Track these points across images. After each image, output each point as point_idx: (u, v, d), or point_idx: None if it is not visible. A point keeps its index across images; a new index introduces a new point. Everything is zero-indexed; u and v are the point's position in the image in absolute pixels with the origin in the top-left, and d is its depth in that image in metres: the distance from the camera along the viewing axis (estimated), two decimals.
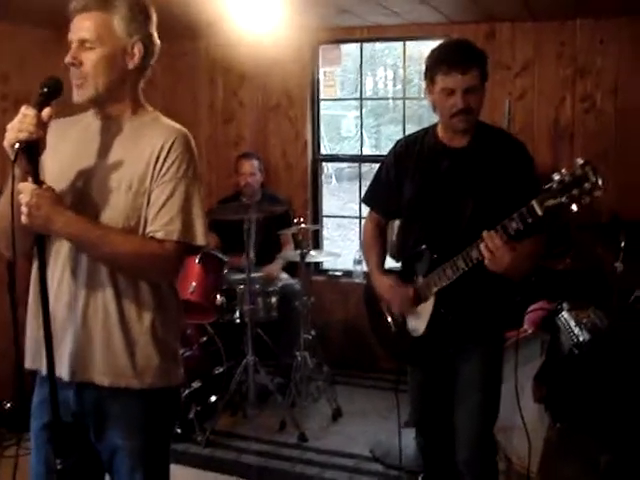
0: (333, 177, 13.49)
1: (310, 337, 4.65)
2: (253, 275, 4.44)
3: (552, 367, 3.50)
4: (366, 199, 3.08)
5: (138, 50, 2.04)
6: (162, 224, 1.99)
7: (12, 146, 1.82)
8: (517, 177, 2.58)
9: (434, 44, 2.80)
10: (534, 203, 2.32)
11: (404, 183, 2.83)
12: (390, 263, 3.08)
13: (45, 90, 1.89)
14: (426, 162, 2.77)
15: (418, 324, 2.83)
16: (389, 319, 2.96)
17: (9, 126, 1.84)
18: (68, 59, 1.98)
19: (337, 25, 5.13)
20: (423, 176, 2.77)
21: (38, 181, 1.86)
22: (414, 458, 3.64)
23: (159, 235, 1.99)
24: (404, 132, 5.57)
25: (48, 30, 4.64)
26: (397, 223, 3.14)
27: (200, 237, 2.06)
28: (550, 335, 3.64)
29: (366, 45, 5.71)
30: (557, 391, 3.42)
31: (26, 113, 1.83)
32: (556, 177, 2.27)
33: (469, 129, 2.69)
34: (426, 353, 2.89)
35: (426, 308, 2.79)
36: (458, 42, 2.82)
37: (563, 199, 2.25)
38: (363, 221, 5.47)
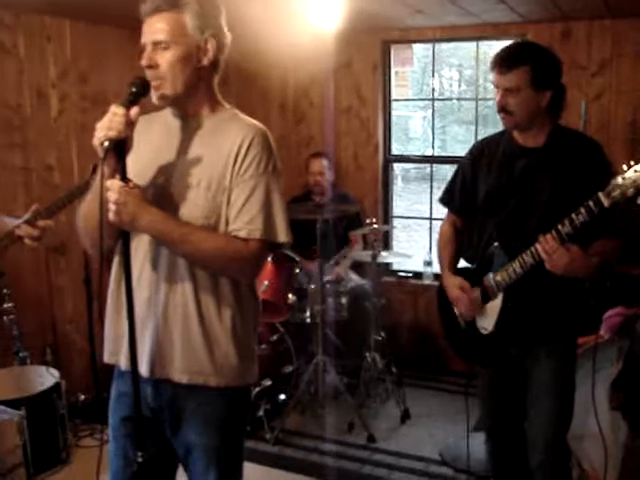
0: (399, 178, 13.46)
1: (380, 338, 4.64)
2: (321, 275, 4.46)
3: (630, 374, 3.41)
4: (442, 199, 3.07)
5: (211, 46, 2.05)
6: (244, 222, 2.00)
7: (101, 144, 1.85)
8: (592, 178, 2.54)
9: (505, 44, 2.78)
10: (601, 194, 2.32)
11: (479, 183, 2.83)
12: (463, 263, 3.06)
13: (133, 90, 1.92)
14: (501, 162, 2.77)
15: (487, 322, 2.81)
16: (459, 318, 2.94)
17: (98, 125, 1.86)
18: (144, 62, 1.99)
19: (410, 25, 5.11)
20: (498, 175, 2.76)
21: (126, 179, 1.90)
22: (483, 462, 3.60)
23: (242, 234, 2.00)
24: (476, 133, 5.52)
25: (124, 30, 4.74)
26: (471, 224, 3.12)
27: (282, 234, 2.07)
28: (629, 341, 3.55)
29: (430, 45, 5.66)
30: (636, 399, 3.34)
31: (115, 112, 1.86)
32: (625, 169, 2.25)
33: (513, 129, 2.70)
34: (495, 352, 2.86)
35: (495, 306, 2.78)
36: (515, 43, 2.81)
37: (630, 191, 2.24)
38: (434, 223, 5.55)
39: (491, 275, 2.76)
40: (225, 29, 2.10)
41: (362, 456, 4.11)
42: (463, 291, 2.83)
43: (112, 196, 1.87)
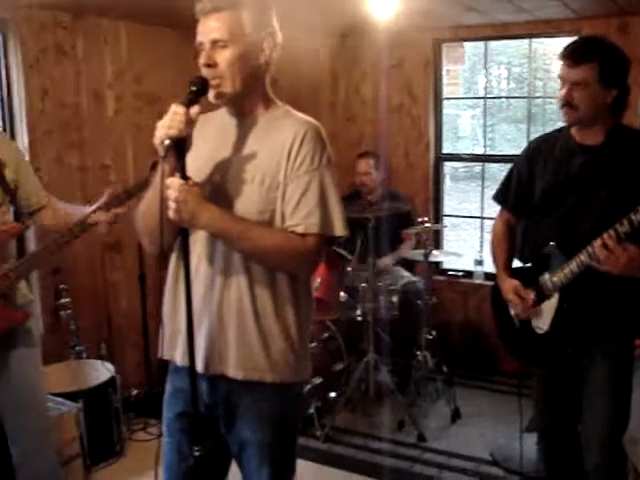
0: (447, 177, 13.32)
1: (430, 337, 4.63)
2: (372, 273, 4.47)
3: None
4: (497, 197, 3.04)
5: (267, 45, 2.06)
6: (301, 218, 2.01)
7: (162, 143, 1.87)
8: None
9: (560, 41, 2.76)
10: None
11: (536, 181, 2.80)
12: (517, 263, 3.04)
13: (194, 89, 1.94)
14: (559, 159, 2.73)
15: (543, 322, 2.79)
16: (514, 318, 2.92)
17: (159, 124, 1.89)
18: (203, 60, 2.00)
19: (461, 23, 5.08)
20: (555, 173, 2.73)
21: (185, 177, 1.92)
22: (535, 464, 3.56)
23: (299, 229, 2.01)
24: (528, 131, 5.45)
25: (178, 31, 4.80)
26: (525, 223, 3.10)
27: (339, 228, 2.06)
28: None
29: (479, 43, 5.62)
30: None
31: (176, 111, 1.88)
32: None
33: (575, 124, 2.66)
34: (551, 352, 2.83)
35: (551, 305, 2.75)
36: (585, 37, 2.77)
37: None
38: (485, 222, 5.52)
39: (547, 275, 2.74)
40: (277, 28, 2.12)
41: (412, 455, 4.10)
42: (518, 295, 2.81)
43: (172, 194, 1.90)
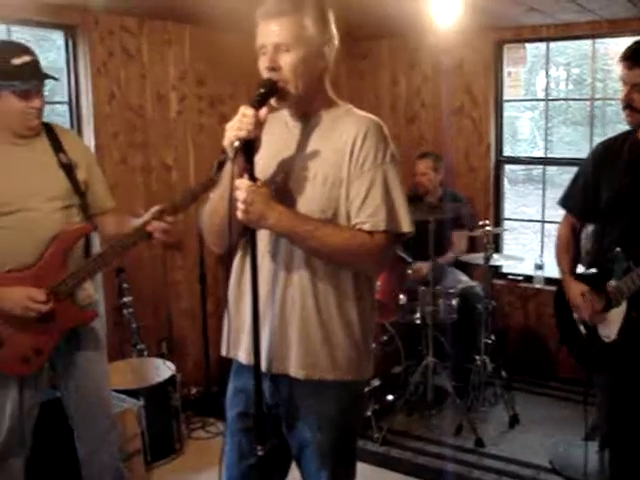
0: (505, 180, 13.14)
1: (490, 341, 4.58)
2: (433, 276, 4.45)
3: None
4: (562, 201, 3.00)
5: (328, 48, 2.08)
6: (368, 215, 2.01)
7: (231, 144, 1.90)
8: None
9: (623, 42, 2.71)
10: None
11: (602, 185, 2.75)
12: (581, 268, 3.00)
13: (262, 91, 1.96)
14: (626, 163, 2.68)
15: (610, 330, 2.74)
16: (580, 325, 2.87)
17: (228, 125, 1.92)
18: (267, 64, 2.01)
19: (522, 24, 5.02)
20: (622, 178, 2.68)
21: (254, 178, 1.95)
22: (597, 472, 3.50)
23: (366, 227, 2.01)
24: (591, 135, 5.35)
25: (239, 35, 4.84)
26: (590, 228, 3.05)
27: (405, 224, 2.06)
28: None
29: (538, 44, 5.53)
30: None
31: (245, 113, 1.91)
32: None
33: (637, 126, 2.62)
34: (618, 360, 2.78)
35: (618, 313, 2.70)
36: None
37: None
38: (546, 226, 5.43)
39: (614, 282, 2.68)
40: (335, 32, 2.13)
41: (470, 460, 4.06)
42: (585, 299, 2.76)
43: (241, 195, 1.92)
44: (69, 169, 2.86)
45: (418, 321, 4.53)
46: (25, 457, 2.95)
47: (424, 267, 4.78)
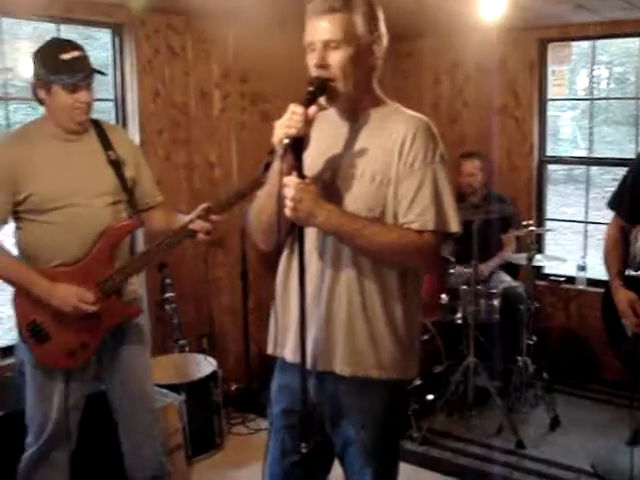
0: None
1: (531, 342, 4.54)
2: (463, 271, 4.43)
3: None
4: (611, 203, 2.96)
5: (377, 47, 2.07)
6: (416, 214, 2.01)
7: (281, 142, 1.90)
8: None
9: None
10: None
11: None
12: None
13: (311, 89, 1.97)
14: None
15: None
16: (627, 329, 2.83)
17: (277, 123, 1.93)
18: (315, 61, 2.01)
19: (569, 22, 4.95)
20: None
21: (302, 176, 1.95)
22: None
23: (415, 226, 2.01)
24: (637, 135, 5.27)
25: (280, 31, 4.86)
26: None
27: (454, 224, 2.06)
28: None
29: (581, 42, 5.45)
30: None
31: (295, 111, 1.91)
32: None
33: None
34: None
35: None
36: None
37: None
38: (589, 227, 5.37)
39: None
40: (385, 30, 2.13)
41: (510, 461, 4.03)
42: (633, 308, 2.72)
43: (289, 192, 1.93)
44: (117, 166, 2.90)
45: (459, 321, 4.51)
46: (70, 449, 2.99)
47: (485, 269, 4.76)
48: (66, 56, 2.71)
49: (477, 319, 4.41)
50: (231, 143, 4.71)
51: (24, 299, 2.77)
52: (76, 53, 2.74)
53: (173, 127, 4.38)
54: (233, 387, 4.71)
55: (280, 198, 1.94)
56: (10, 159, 2.75)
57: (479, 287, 4.49)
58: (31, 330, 2.78)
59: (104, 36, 4.21)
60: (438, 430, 4.36)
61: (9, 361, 3.71)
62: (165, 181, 4.14)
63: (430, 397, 4.50)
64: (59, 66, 2.69)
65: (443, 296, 4.53)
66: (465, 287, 4.46)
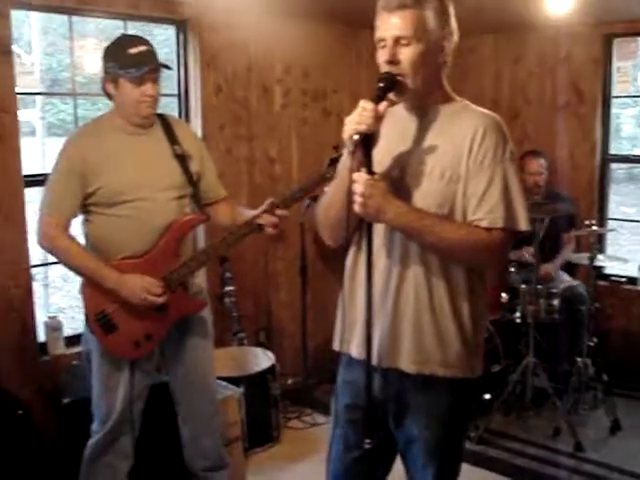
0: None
1: (592, 343, 4.47)
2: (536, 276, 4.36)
3: None
4: None
5: (448, 43, 2.07)
6: (485, 212, 2.00)
7: (351, 137, 1.91)
8: None
9: None
10: None
11: None
12: None
13: (382, 85, 1.96)
14: None
15: None
16: None
17: (348, 119, 1.93)
18: (387, 57, 2.00)
19: (636, 16, 4.85)
20: None
21: (371, 172, 1.95)
22: None
23: (484, 224, 2.00)
24: None
25: (344, 27, 4.87)
26: None
27: (523, 222, 2.04)
28: None
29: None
30: None
31: (365, 107, 1.91)
32: None
33: None
34: None
35: None
36: None
37: None
38: None
39: None
40: (455, 27, 2.11)
41: (569, 464, 3.97)
42: None
43: (358, 188, 1.93)
44: (183, 160, 2.94)
45: (519, 320, 4.47)
46: (134, 437, 3.05)
47: (551, 269, 4.71)
48: (133, 50, 2.77)
49: (537, 319, 4.36)
50: (292, 139, 4.75)
51: (93, 290, 2.83)
52: (143, 47, 2.79)
53: (235, 122, 4.43)
54: (289, 381, 4.74)
55: (349, 194, 1.94)
56: (80, 153, 2.82)
57: (539, 286, 4.44)
58: (99, 320, 2.84)
59: (162, 32, 4.27)
60: (495, 430, 4.32)
61: (74, 350, 3.80)
62: (226, 175, 4.17)
63: (487, 396, 4.46)
64: (127, 60, 2.75)
65: (503, 295, 4.48)
66: (524, 286, 4.41)
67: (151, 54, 2.81)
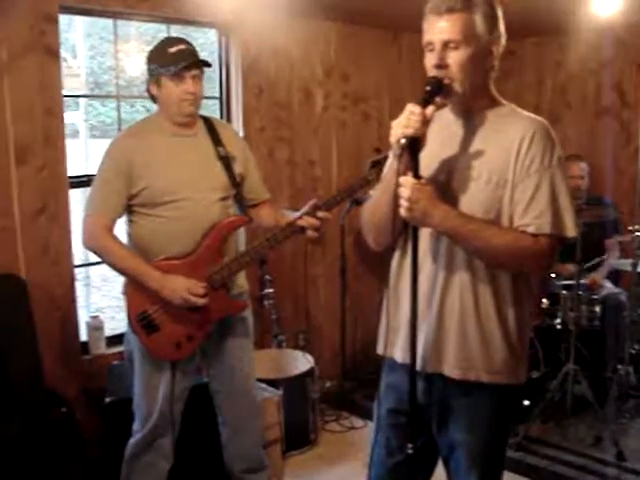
0: None
1: (634, 351, 4.41)
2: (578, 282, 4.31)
3: None
4: None
5: (496, 47, 2.05)
6: (533, 218, 1.99)
7: (398, 141, 1.90)
8: None
9: None
10: None
11: None
12: None
13: (429, 89, 1.95)
14: None
15: None
16: None
17: (395, 122, 1.92)
18: (434, 61, 1.99)
19: None
20: None
21: (418, 176, 1.95)
22: None
23: (531, 229, 1.99)
24: None
25: (383, 30, 4.87)
26: None
27: (570, 228, 2.02)
28: None
29: None
30: None
31: (412, 110, 1.90)
32: None
33: None
34: None
35: None
36: None
37: None
38: None
39: None
40: (504, 30, 2.09)
41: (611, 473, 3.89)
42: None
43: (405, 192, 1.92)
44: (227, 162, 2.96)
45: (559, 326, 4.42)
46: (174, 437, 3.07)
47: (598, 277, 4.66)
48: (173, 49, 2.82)
49: (578, 325, 4.31)
50: (332, 142, 4.76)
51: (135, 290, 2.85)
52: (182, 46, 2.85)
53: (276, 124, 4.45)
54: (327, 384, 4.74)
55: (396, 198, 1.94)
56: (125, 154, 2.85)
57: (580, 293, 4.39)
58: (141, 321, 2.86)
59: (202, 36, 4.31)
60: (533, 437, 4.27)
61: (114, 350, 3.84)
62: (267, 178, 4.17)
63: (526, 402, 4.42)
64: (167, 59, 2.81)
65: (544, 300, 4.44)
66: (565, 292, 4.37)
67: (190, 52, 2.85)
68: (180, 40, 2.89)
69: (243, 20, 4.19)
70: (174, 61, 2.79)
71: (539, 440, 4.26)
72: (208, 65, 2.95)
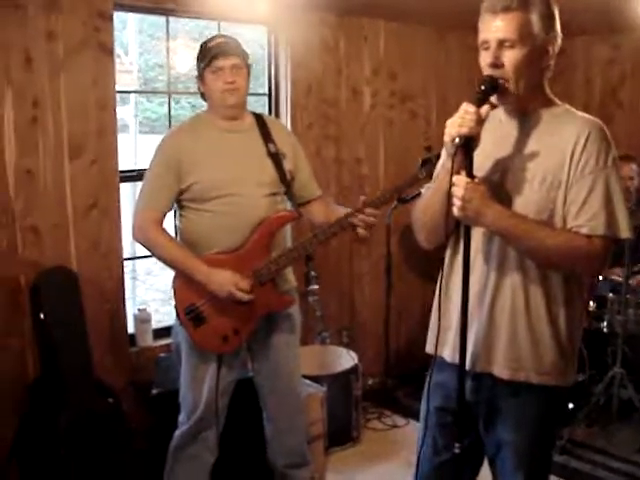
0: None
1: None
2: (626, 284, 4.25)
3: None
4: None
5: (552, 47, 2.04)
6: (586, 219, 1.97)
7: (452, 140, 1.90)
8: None
9: None
10: None
11: None
12: None
13: (483, 88, 1.95)
14: None
15: None
16: None
17: (449, 122, 1.93)
18: (489, 60, 1.98)
19: None
20: None
21: (471, 175, 1.95)
22: None
23: (584, 230, 1.98)
24: None
25: (431, 28, 4.85)
26: None
27: (624, 229, 2.00)
28: None
29: None
30: None
31: (467, 110, 1.91)
32: None
33: None
34: None
35: None
36: None
37: None
38: None
39: None
40: (559, 30, 2.08)
41: None
42: None
43: (458, 192, 1.92)
44: (277, 158, 2.98)
45: (606, 329, 4.36)
46: (219, 431, 3.10)
47: None
48: (212, 43, 2.89)
49: (625, 329, 4.25)
50: (379, 140, 4.76)
51: (184, 283, 2.89)
52: (220, 40, 2.91)
53: (323, 122, 4.46)
54: (370, 382, 4.74)
55: (449, 197, 1.94)
56: (176, 149, 2.90)
57: (628, 296, 4.33)
58: (189, 313, 2.90)
59: (248, 32, 4.35)
60: (578, 441, 4.23)
61: (161, 342, 3.89)
62: (315, 176, 4.22)
63: (570, 406, 4.37)
64: (206, 53, 2.87)
65: (590, 303, 4.39)
66: (612, 295, 4.31)
67: (226, 44, 2.89)
68: (221, 36, 2.97)
69: (292, 18, 4.20)
70: (211, 54, 2.85)
71: (583, 444, 4.22)
72: (245, 55, 2.95)
